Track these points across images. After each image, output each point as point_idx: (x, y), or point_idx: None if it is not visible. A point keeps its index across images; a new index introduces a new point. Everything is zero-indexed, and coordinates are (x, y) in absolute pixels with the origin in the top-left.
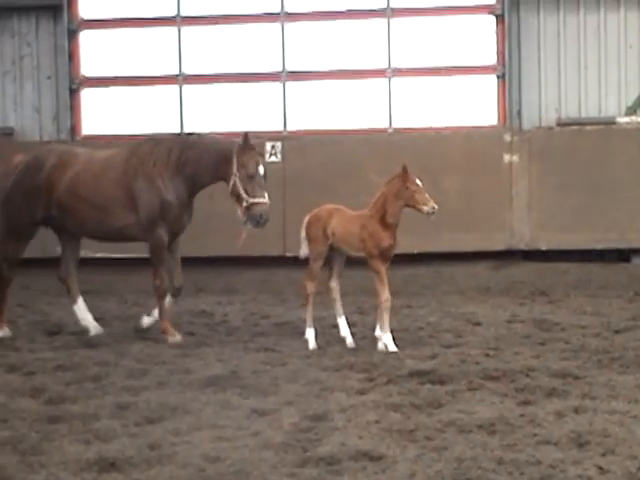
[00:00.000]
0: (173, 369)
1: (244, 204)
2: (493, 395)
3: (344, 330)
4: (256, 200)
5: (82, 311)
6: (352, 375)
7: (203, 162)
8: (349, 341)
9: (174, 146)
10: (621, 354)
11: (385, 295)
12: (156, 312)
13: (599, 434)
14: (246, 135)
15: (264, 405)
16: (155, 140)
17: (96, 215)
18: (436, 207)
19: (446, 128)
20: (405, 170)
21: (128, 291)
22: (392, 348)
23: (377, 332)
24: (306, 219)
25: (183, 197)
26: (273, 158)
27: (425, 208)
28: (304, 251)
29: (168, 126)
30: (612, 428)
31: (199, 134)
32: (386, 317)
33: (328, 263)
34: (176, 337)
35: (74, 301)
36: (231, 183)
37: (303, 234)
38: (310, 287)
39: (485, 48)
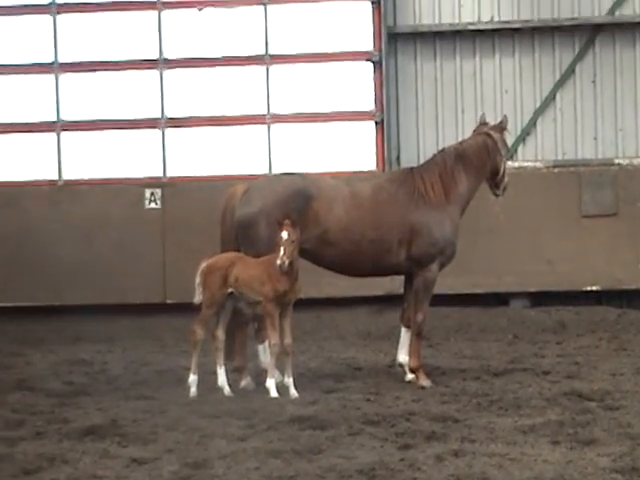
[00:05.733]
0: (51, 419)
1: (505, 179)
2: (373, 440)
3: (222, 380)
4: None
5: None
6: (232, 422)
7: (477, 166)
8: (226, 391)
9: (435, 165)
10: (500, 397)
11: (274, 340)
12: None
13: (478, 477)
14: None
15: (144, 454)
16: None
17: (371, 252)
18: (280, 262)
19: (325, 174)
20: (277, 222)
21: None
22: (274, 394)
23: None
24: (203, 266)
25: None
26: (152, 205)
27: (276, 262)
28: (198, 297)
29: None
30: (491, 471)
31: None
32: (272, 362)
33: (217, 312)
34: (426, 381)
35: None
36: (502, 168)
37: (198, 280)
38: (200, 333)
39: (363, 94)
